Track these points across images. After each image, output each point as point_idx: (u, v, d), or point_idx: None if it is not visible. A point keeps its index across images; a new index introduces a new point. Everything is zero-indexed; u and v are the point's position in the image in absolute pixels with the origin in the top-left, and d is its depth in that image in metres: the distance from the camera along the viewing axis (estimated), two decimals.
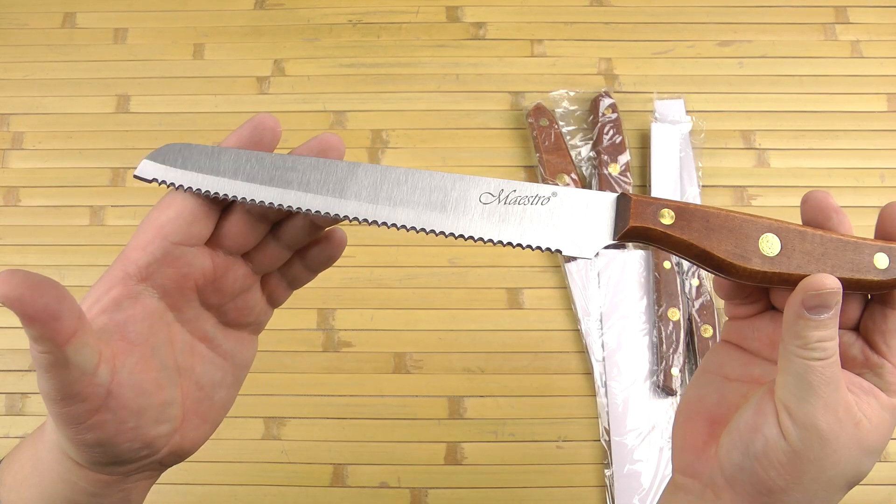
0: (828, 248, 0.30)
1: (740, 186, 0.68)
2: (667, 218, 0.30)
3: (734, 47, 0.73)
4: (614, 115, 0.68)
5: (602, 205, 0.31)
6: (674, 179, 0.66)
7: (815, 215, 0.32)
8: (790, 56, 0.72)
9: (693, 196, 0.66)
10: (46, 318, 0.26)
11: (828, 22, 0.74)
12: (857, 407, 0.29)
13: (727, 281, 0.33)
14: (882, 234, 0.31)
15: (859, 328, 0.31)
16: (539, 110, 0.69)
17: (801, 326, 0.28)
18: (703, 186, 0.67)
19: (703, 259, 0.30)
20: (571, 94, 0.71)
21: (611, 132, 0.68)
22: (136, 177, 0.32)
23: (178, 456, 0.33)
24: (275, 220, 0.33)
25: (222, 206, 0.32)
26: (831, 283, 0.28)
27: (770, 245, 0.30)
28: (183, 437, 0.32)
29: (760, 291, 0.33)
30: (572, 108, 0.70)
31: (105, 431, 0.29)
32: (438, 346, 0.64)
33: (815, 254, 0.30)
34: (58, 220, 0.68)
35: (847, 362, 0.31)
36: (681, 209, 0.30)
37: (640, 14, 0.74)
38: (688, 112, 0.69)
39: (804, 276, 0.29)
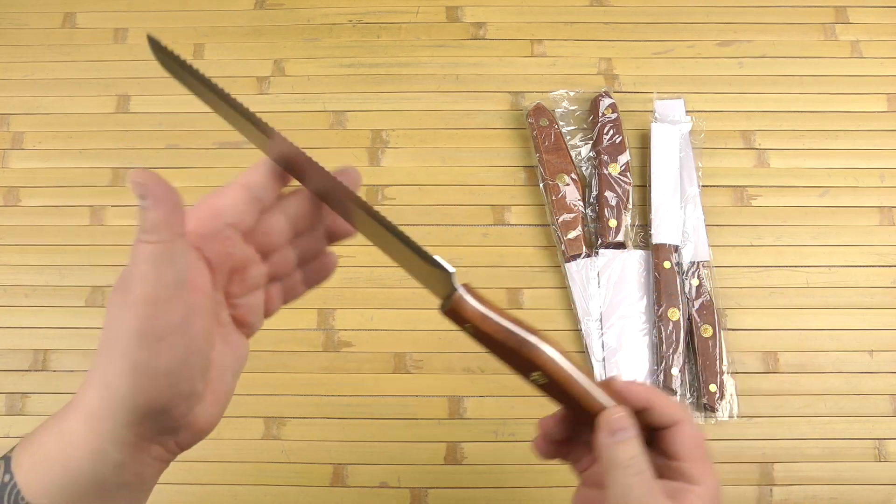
0: None
1: (740, 186, 0.68)
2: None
3: (734, 47, 0.73)
4: (614, 115, 0.68)
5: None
6: (674, 179, 0.66)
7: None
8: (790, 56, 0.72)
9: (693, 196, 0.66)
10: (173, 203, 0.30)
11: (828, 22, 0.74)
12: None
13: (543, 447, 0.40)
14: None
15: (653, 446, 0.37)
16: (539, 110, 0.69)
17: (613, 452, 0.35)
18: (702, 186, 0.67)
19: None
20: (571, 94, 0.71)
21: (611, 132, 0.68)
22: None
23: (192, 434, 0.34)
24: (301, 229, 0.37)
25: (265, 206, 0.35)
26: (620, 412, 0.35)
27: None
28: (200, 411, 0.34)
29: (583, 450, 0.40)
30: (572, 108, 0.70)
31: (175, 357, 0.30)
32: (438, 346, 0.64)
33: None
34: (58, 220, 0.68)
35: (656, 473, 0.36)
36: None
37: (640, 14, 0.74)
38: (688, 112, 0.69)
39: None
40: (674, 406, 0.37)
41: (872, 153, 0.69)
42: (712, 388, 0.61)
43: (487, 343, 0.37)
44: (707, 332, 0.62)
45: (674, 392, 0.61)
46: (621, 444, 0.35)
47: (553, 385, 0.36)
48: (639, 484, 0.34)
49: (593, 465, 0.40)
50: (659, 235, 0.65)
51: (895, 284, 0.65)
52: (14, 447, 0.33)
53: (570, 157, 0.68)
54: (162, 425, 0.32)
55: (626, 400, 0.37)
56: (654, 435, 0.37)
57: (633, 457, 0.35)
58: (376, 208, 0.35)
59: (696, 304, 0.63)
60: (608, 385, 0.37)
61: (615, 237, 0.65)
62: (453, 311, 0.36)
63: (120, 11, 0.75)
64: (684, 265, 0.64)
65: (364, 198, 0.35)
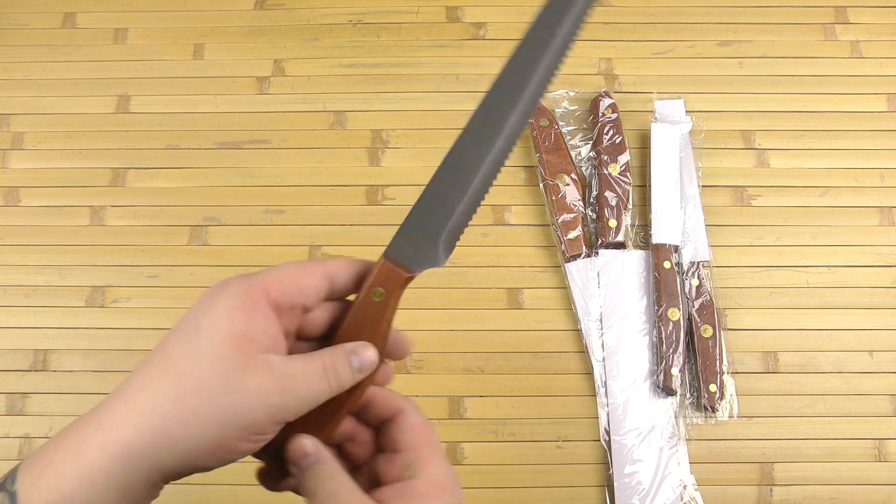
0: None
1: (740, 186, 0.68)
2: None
3: (734, 47, 0.73)
4: (614, 115, 0.68)
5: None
6: (674, 179, 0.66)
7: None
8: (790, 56, 0.72)
9: (693, 196, 0.66)
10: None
11: (828, 22, 0.74)
12: None
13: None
14: None
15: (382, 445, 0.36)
16: (539, 110, 0.69)
17: (301, 482, 0.33)
18: (702, 186, 0.67)
19: None
20: (571, 94, 0.71)
21: (611, 132, 0.68)
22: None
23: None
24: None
25: (332, 299, 0.36)
26: (301, 438, 0.33)
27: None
28: None
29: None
30: (572, 108, 0.70)
31: (258, 444, 0.32)
32: (438, 346, 0.64)
33: None
34: (58, 220, 0.68)
35: (387, 478, 0.34)
36: None
37: (640, 14, 0.74)
38: (688, 112, 0.69)
39: None
40: (395, 395, 0.36)
41: (872, 153, 0.69)
42: (712, 388, 0.61)
43: (366, 319, 0.35)
44: (707, 332, 0.62)
45: (674, 392, 0.61)
46: (307, 472, 0.33)
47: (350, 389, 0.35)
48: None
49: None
50: (659, 235, 0.65)
51: (895, 284, 0.65)
52: (14, 475, 0.30)
53: (570, 157, 0.68)
54: (189, 473, 0.32)
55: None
56: (381, 431, 0.36)
57: (319, 483, 0.33)
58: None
59: (696, 304, 0.63)
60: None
61: (615, 237, 0.65)
62: (401, 279, 0.36)
63: (120, 11, 0.75)
64: (684, 265, 0.64)
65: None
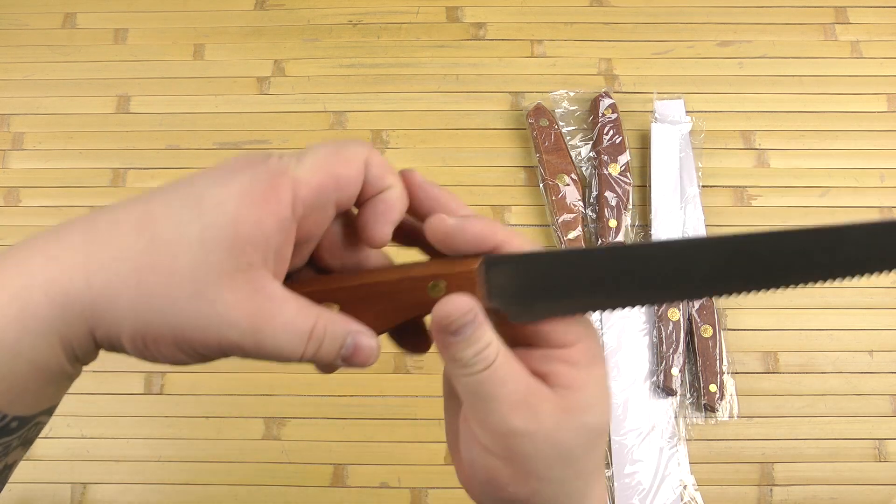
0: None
1: (740, 186, 0.68)
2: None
3: (734, 47, 0.73)
4: (614, 116, 0.68)
5: None
6: (674, 180, 0.66)
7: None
8: (790, 56, 0.72)
9: (693, 196, 0.66)
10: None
11: (828, 22, 0.74)
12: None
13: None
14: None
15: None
16: (539, 110, 0.69)
17: (454, 351, 0.26)
18: (702, 186, 0.67)
19: None
20: (571, 94, 0.71)
21: (611, 132, 0.68)
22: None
23: None
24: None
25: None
26: (462, 304, 0.26)
27: None
28: None
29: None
30: (572, 108, 0.70)
31: None
32: None
33: None
34: (58, 220, 0.68)
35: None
36: None
37: (640, 14, 0.74)
38: (688, 112, 0.69)
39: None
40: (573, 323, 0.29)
41: (872, 153, 0.69)
42: (712, 388, 0.61)
43: (398, 300, 0.30)
44: (707, 332, 0.62)
45: (674, 392, 0.61)
46: (463, 341, 0.26)
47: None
48: (489, 377, 0.26)
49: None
50: (659, 235, 0.65)
51: (895, 284, 0.65)
52: None
53: (570, 158, 0.68)
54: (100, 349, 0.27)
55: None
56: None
57: (479, 352, 0.26)
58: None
59: (696, 304, 0.63)
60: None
61: (615, 237, 0.65)
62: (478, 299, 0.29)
63: (120, 11, 0.75)
64: None
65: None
